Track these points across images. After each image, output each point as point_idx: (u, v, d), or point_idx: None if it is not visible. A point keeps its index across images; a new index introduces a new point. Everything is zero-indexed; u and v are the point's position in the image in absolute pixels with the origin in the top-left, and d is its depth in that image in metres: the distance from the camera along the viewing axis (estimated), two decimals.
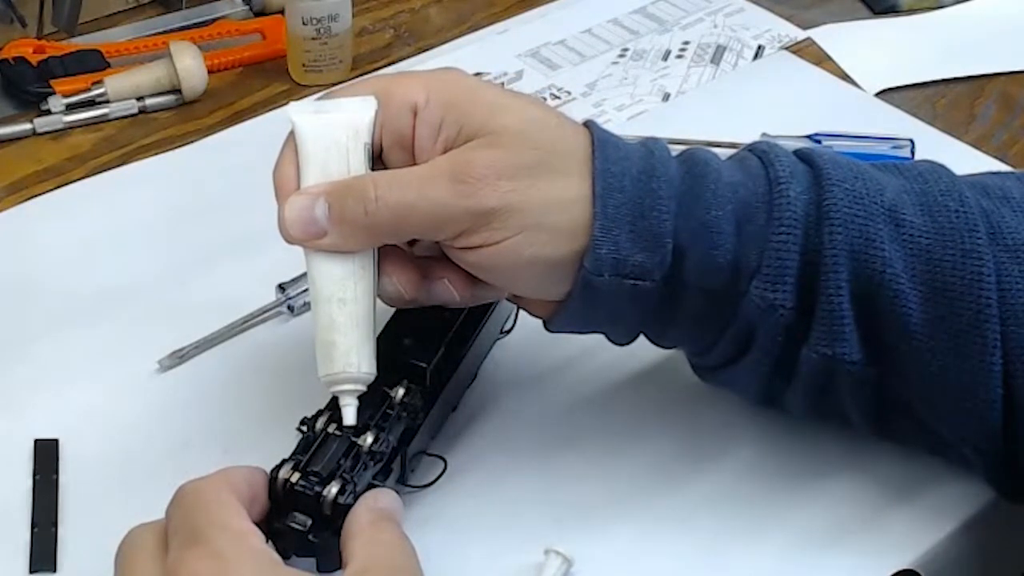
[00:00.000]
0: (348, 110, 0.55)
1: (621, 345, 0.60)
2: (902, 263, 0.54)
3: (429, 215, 0.53)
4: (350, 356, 0.54)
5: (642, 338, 0.60)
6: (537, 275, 0.55)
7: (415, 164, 0.55)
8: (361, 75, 0.88)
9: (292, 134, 0.56)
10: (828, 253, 0.54)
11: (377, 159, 0.56)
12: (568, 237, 0.54)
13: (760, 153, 0.57)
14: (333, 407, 0.56)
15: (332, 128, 0.55)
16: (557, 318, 0.57)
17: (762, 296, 0.55)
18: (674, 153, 0.57)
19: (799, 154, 0.58)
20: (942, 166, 0.58)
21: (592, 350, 0.67)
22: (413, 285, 0.56)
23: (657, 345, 0.60)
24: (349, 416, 0.55)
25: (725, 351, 0.58)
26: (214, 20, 0.95)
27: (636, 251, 0.54)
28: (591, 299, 0.55)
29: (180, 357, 0.67)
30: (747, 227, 0.55)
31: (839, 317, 0.54)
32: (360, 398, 0.55)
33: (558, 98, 0.88)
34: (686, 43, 0.94)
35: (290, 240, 0.54)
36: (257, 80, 0.90)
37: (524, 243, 0.53)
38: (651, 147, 0.56)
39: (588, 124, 0.57)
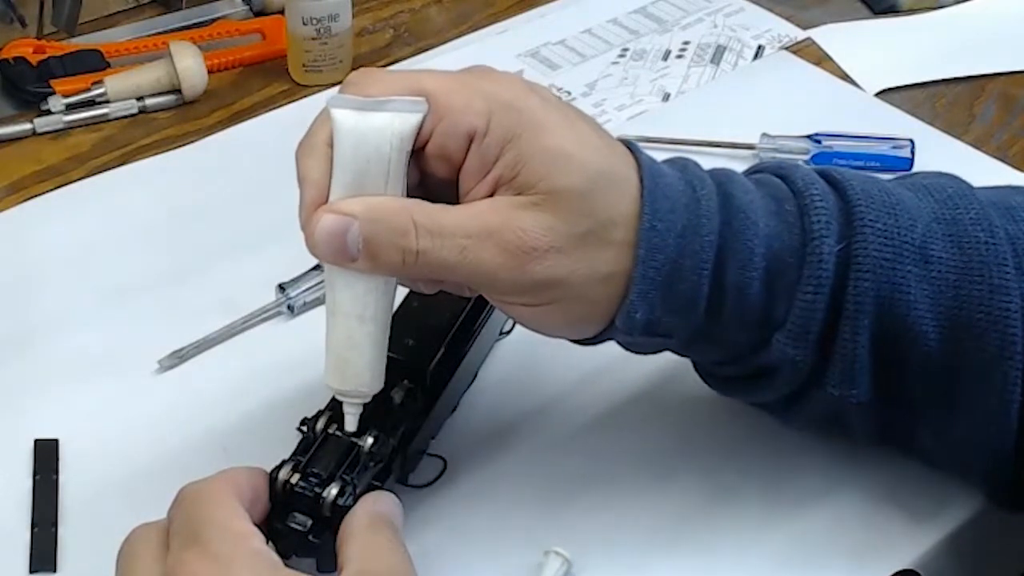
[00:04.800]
0: (395, 111, 0.51)
1: (636, 354, 0.59)
2: (927, 303, 0.53)
3: (469, 276, 0.51)
4: (363, 376, 0.53)
5: None
6: (565, 330, 0.55)
7: (453, 178, 0.52)
8: None
9: (326, 117, 0.52)
10: (852, 300, 0.53)
11: (414, 152, 0.52)
12: (603, 305, 0.53)
13: (797, 193, 0.55)
14: (333, 407, 0.56)
15: (375, 134, 0.50)
16: (575, 341, 0.57)
17: (783, 351, 0.54)
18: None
19: (832, 180, 0.55)
20: (968, 186, 0.57)
21: (593, 351, 0.67)
22: (429, 286, 0.55)
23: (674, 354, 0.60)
24: (351, 423, 0.55)
25: (739, 374, 0.58)
26: (214, 20, 0.95)
27: (668, 313, 0.53)
28: (613, 339, 0.56)
29: (180, 357, 0.67)
30: (778, 283, 0.53)
31: (853, 362, 0.54)
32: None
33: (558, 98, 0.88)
34: (686, 43, 0.94)
35: (315, 257, 0.51)
36: (257, 80, 0.90)
37: (558, 311, 0.53)
38: (696, 190, 0.53)
39: (635, 155, 0.54)
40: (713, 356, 0.58)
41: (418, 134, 0.51)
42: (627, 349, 0.58)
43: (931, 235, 0.54)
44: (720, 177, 0.55)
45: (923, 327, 0.53)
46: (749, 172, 0.58)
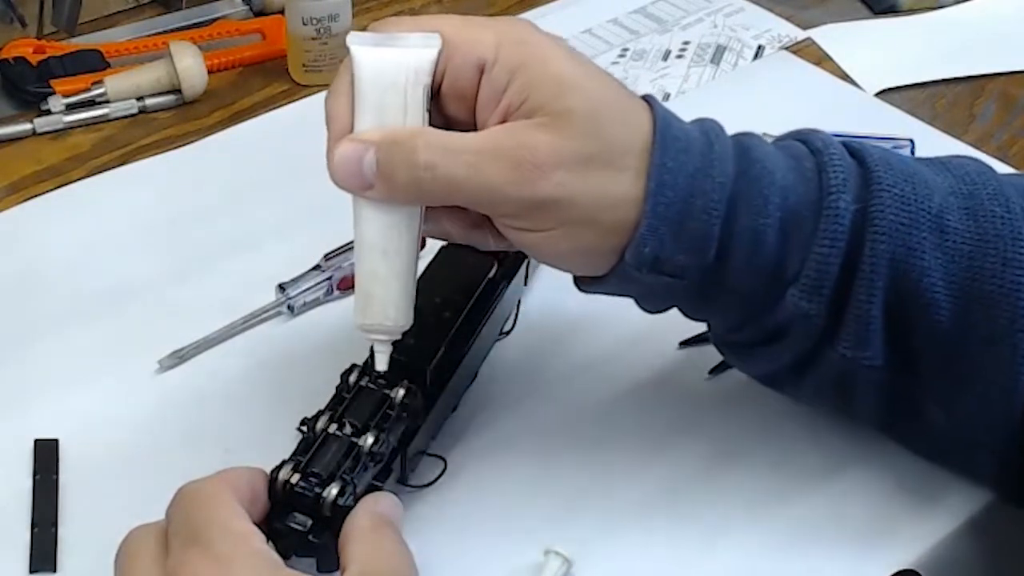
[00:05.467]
0: (411, 46, 0.53)
1: (651, 313, 0.59)
2: (941, 271, 0.54)
3: (478, 194, 0.52)
4: (387, 309, 0.54)
5: (644, 335, 0.60)
6: (575, 260, 0.55)
7: (472, 119, 0.54)
8: None
9: (348, 62, 0.54)
10: (868, 261, 0.53)
11: (434, 96, 0.54)
12: (613, 233, 0.53)
13: (816, 151, 0.56)
14: (333, 407, 0.57)
15: (392, 67, 0.53)
16: (588, 285, 0.57)
17: (797, 304, 0.54)
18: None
19: (852, 149, 0.56)
20: (988, 166, 0.58)
21: (593, 348, 0.67)
22: (459, 228, 0.56)
23: (687, 317, 0.60)
24: (381, 363, 0.56)
25: (752, 337, 0.58)
26: (214, 20, 0.95)
27: (679, 251, 0.53)
28: (626, 281, 0.55)
29: (180, 357, 0.67)
30: (793, 235, 0.54)
31: (867, 323, 0.54)
32: (394, 344, 0.56)
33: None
34: (686, 43, 0.94)
35: (337, 185, 0.53)
36: (257, 80, 0.90)
37: (568, 235, 0.53)
38: (712, 139, 0.55)
39: (650, 104, 0.55)
40: (726, 313, 0.57)
41: (434, 70, 0.53)
42: (640, 304, 0.58)
43: (947, 206, 0.55)
44: (739, 135, 0.56)
45: (935, 295, 0.54)
46: (772, 142, 0.58)
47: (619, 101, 0.54)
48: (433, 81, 0.53)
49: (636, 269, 0.54)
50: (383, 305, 0.54)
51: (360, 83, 0.53)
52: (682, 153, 0.53)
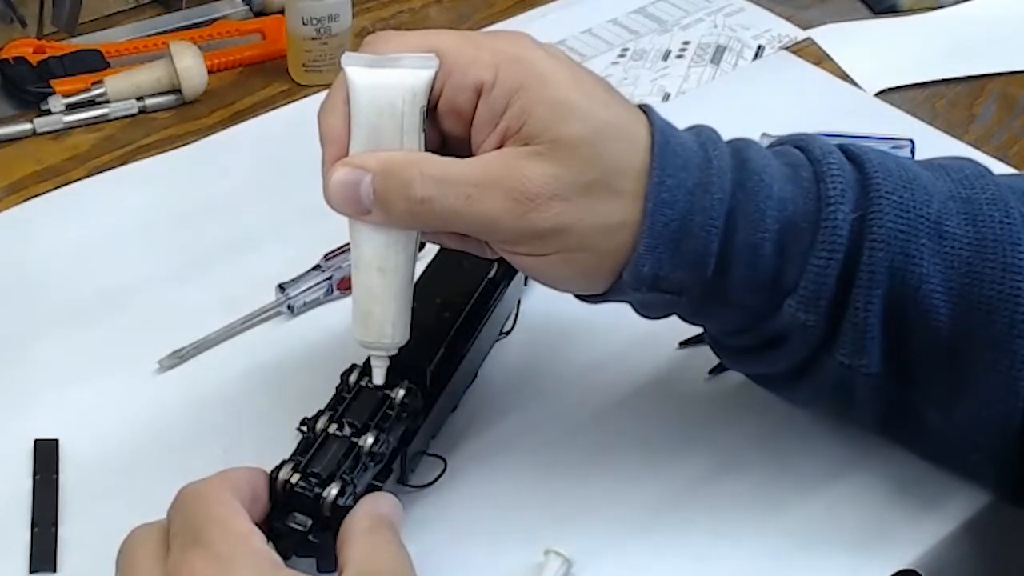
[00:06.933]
0: (407, 67, 0.53)
1: (649, 319, 0.59)
2: (939, 277, 0.53)
3: (476, 224, 0.52)
4: (384, 327, 0.55)
5: (643, 335, 0.60)
6: (575, 282, 0.56)
7: (468, 134, 0.53)
8: None
9: (343, 80, 0.54)
10: (866, 270, 0.53)
11: (430, 112, 0.54)
12: (612, 255, 0.53)
13: (814, 161, 0.55)
14: (333, 407, 0.57)
15: (388, 89, 0.52)
16: (586, 299, 0.58)
17: (794, 315, 0.54)
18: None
19: (850, 154, 0.56)
20: (986, 169, 0.57)
21: (592, 349, 0.67)
22: (456, 240, 0.56)
23: (685, 322, 0.60)
24: (378, 376, 0.56)
25: (749, 343, 0.58)
26: (214, 20, 0.95)
27: (677, 269, 0.53)
28: (624, 296, 0.56)
29: (180, 357, 0.67)
30: (791, 247, 0.54)
31: (864, 331, 0.54)
32: (391, 358, 0.56)
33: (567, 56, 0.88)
34: (686, 43, 0.94)
35: (333, 209, 0.53)
36: (257, 80, 0.90)
37: (567, 259, 0.53)
38: (709, 152, 0.54)
39: (648, 115, 0.54)
40: (724, 322, 0.57)
41: (431, 90, 0.53)
42: (639, 312, 0.58)
43: (946, 211, 0.54)
44: (737, 143, 0.56)
45: (934, 301, 0.53)
46: (770, 146, 0.58)
47: (618, 120, 0.53)
48: (429, 100, 0.53)
49: (635, 288, 0.54)
50: (380, 323, 0.55)
51: (356, 105, 0.53)
52: (680, 170, 0.53)
